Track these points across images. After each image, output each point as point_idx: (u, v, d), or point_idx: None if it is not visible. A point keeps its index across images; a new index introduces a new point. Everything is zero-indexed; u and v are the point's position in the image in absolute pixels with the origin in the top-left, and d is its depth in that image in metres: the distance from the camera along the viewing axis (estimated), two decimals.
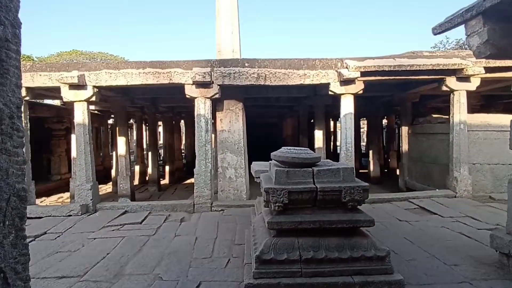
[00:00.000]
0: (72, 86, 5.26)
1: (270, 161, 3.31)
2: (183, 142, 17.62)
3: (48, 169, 9.84)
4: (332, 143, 15.79)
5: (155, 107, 9.31)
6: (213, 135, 6.33)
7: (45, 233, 4.36)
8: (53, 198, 8.16)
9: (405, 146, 7.68)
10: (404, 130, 7.68)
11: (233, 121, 6.07)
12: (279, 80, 5.46)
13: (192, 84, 5.42)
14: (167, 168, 11.27)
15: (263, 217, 2.79)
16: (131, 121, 14.20)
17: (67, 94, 5.30)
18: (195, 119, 5.55)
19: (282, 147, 2.99)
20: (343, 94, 5.57)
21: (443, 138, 6.24)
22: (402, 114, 7.86)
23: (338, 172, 2.64)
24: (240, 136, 6.05)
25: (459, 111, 5.75)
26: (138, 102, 8.38)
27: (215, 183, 6.04)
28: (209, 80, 5.27)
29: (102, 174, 11.60)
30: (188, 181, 11.37)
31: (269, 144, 14.01)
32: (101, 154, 12.62)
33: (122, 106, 7.65)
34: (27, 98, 5.39)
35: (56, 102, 10.04)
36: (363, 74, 5.31)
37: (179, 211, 5.49)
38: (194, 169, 5.54)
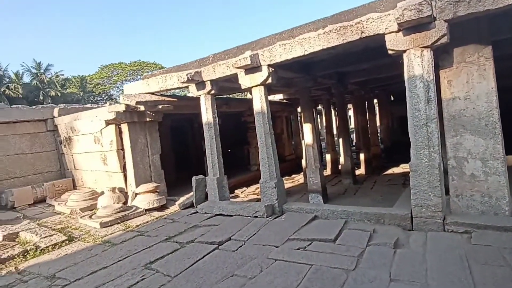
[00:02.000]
0: (247, 70, 4.60)
1: None
2: (378, 124, 15.26)
3: (248, 160, 10.49)
4: None
5: (342, 85, 7.79)
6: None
7: (229, 239, 3.83)
8: (252, 188, 8.34)
9: None
10: None
11: (473, 81, 3.59)
12: None
13: (398, 31, 3.46)
14: (361, 156, 9.57)
15: None
16: (320, 106, 13.46)
17: (244, 80, 4.70)
18: (406, 84, 3.55)
19: None
20: None
21: None
22: None
23: None
24: (492, 105, 3.49)
25: None
26: (322, 81, 7.13)
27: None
28: (429, 14, 3.13)
29: (295, 163, 11.40)
30: (389, 171, 9.21)
31: None
32: (292, 142, 12.54)
33: (305, 88, 6.63)
34: (212, 92, 5.23)
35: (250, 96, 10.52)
36: None
37: (387, 225, 3.75)
38: (409, 163, 3.59)
